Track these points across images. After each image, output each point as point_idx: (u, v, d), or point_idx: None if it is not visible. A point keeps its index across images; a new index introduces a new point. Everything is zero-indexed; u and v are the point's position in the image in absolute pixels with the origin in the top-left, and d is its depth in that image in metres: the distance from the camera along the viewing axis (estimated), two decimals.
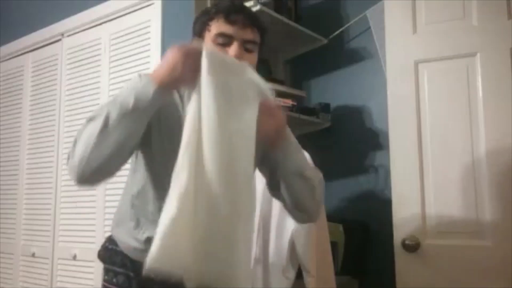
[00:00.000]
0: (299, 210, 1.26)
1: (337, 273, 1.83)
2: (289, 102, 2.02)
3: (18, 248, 2.84)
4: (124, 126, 1.04)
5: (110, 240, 1.35)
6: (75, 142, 1.07)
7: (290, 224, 1.71)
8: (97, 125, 1.04)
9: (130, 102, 1.04)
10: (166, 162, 1.09)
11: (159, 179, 1.21)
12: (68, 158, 1.08)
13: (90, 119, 1.08)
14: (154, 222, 1.09)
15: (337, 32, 2.35)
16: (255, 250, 1.71)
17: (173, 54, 1.06)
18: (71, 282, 2.50)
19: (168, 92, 1.10)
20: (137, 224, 1.25)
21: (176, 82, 1.07)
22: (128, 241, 1.26)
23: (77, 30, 2.66)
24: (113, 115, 1.04)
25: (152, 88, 1.04)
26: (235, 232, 1.07)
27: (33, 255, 2.72)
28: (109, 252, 1.32)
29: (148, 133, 1.17)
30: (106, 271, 1.32)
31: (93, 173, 1.06)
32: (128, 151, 1.11)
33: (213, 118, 1.04)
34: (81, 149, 1.04)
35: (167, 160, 1.09)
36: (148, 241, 1.13)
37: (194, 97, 1.06)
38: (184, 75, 1.05)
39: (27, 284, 2.75)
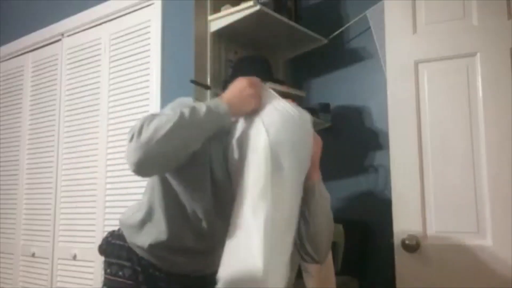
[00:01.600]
0: (313, 249, 1.28)
1: (337, 273, 1.83)
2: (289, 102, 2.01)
3: (18, 248, 2.84)
4: (194, 128, 1.09)
5: (115, 235, 1.37)
6: (141, 127, 1.06)
7: None
8: (171, 118, 1.07)
9: (203, 110, 1.10)
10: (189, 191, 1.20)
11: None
12: (131, 139, 1.07)
13: (154, 115, 1.11)
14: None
15: (337, 32, 2.35)
16: None
17: (241, 81, 1.17)
18: (71, 282, 2.50)
19: (233, 115, 1.16)
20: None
21: (243, 104, 1.15)
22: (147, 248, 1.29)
23: (77, 30, 2.66)
24: (187, 115, 1.08)
25: (223, 105, 1.13)
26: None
27: (33, 255, 2.72)
28: (113, 247, 1.34)
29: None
30: (109, 264, 1.33)
31: (154, 158, 1.06)
32: (187, 155, 1.12)
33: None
34: (152, 131, 1.05)
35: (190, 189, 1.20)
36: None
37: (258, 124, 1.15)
38: (251, 99, 1.15)
39: (27, 284, 2.75)
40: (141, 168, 1.07)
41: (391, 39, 1.89)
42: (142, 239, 1.28)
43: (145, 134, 1.04)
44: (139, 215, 1.31)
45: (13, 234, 2.88)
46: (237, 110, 1.15)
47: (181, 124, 1.06)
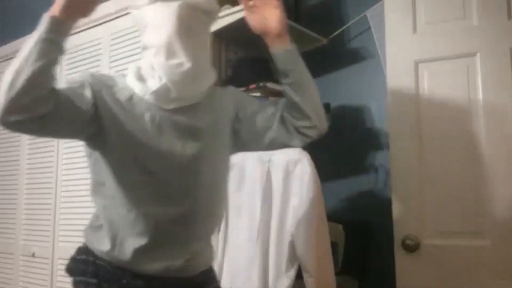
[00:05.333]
0: (307, 119, 1.29)
1: (337, 273, 1.83)
2: None
3: (18, 248, 2.84)
4: (32, 61, 1.05)
5: (79, 250, 1.33)
6: None
7: (290, 224, 1.71)
8: (12, 65, 1.07)
9: (31, 38, 1.09)
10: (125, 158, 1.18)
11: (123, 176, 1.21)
12: None
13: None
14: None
15: (337, 32, 2.35)
16: (255, 250, 1.71)
17: None
18: (71, 282, 2.49)
19: (67, 22, 1.12)
20: (113, 244, 1.22)
21: (69, 11, 1.11)
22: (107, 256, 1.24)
23: (77, 29, 2.66)
24: (23, 53, 1.07)
25: (45, 19, 1.11)
26: None
27: (33, 255, 2.72)
28: (79, 263, 1.30)
29: (100, 133, 1.18)
30: (76, 283, 1.31)
31: (12, 107, 1.03)
32: (42, 87, 1.07)
33: None
34: (2, 85, 1.05)
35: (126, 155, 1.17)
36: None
37: None
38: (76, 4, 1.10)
39: (27, 284, 2.75)
40: (7, 117, 1.04)
41: (391, 39, 1.90)
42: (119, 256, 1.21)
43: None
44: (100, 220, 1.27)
45: (13, 234, 2.88)
46: (71, 12, 1.11)
47: (21, 66, 1.05)
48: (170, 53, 1.18)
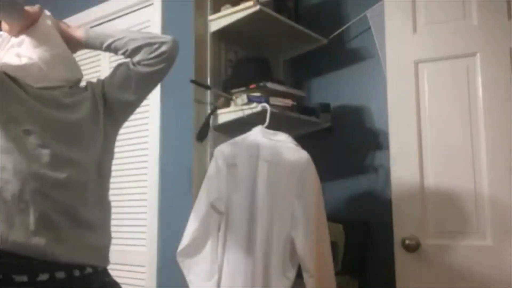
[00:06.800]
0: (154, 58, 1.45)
1: (337, 273, 1.83)
2: (289, 102, 2.02)
3: None
4: None
5: None
6: None
7: (290, 224, 1.71)
8: None
9: None
10: None
11: None
12: None
13: None
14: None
15: (337, 32, 2.35)
16: (256, 250, 1.71)
17: None
18: None
19: None
20: None
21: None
22: None
23: None
24: None
25: None
26: None
27: None
28: None
29: None
30: None
31: None
32: None
33: None
34: None
35: None
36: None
37: None
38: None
39: None
40: None
41: (391, 39, 1.90)
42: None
43: None
44: None
45: None
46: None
47: None
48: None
